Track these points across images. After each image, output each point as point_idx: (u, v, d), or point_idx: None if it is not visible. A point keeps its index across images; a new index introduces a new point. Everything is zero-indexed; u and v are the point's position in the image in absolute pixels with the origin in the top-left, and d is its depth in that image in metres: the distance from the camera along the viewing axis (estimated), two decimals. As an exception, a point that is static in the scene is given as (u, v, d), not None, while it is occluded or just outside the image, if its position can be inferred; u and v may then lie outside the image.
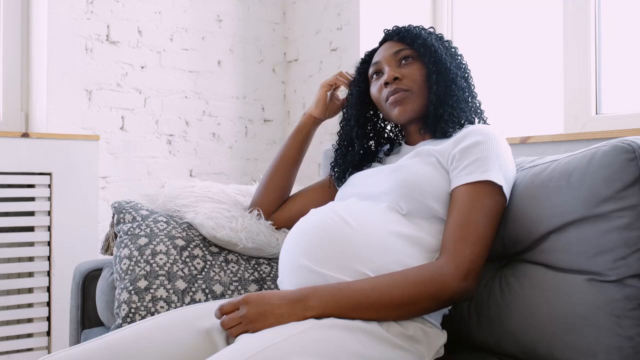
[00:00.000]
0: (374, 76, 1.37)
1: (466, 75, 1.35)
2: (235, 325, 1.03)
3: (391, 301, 1.05)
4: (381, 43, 1.40)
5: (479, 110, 1.35)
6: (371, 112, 1.42)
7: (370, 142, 1.43)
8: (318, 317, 1.02)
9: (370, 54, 1.43)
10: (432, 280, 1.06)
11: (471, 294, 1.10)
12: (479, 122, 1.34)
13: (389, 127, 1.48)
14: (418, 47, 1.31)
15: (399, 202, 1.18)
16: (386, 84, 1.30)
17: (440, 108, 1.28)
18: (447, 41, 1.37)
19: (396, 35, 1.35)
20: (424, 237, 1.15)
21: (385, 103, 1.32)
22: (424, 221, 1.17)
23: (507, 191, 1.17)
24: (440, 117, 1.28)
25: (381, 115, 1.44)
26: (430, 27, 1.38)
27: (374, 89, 1.36)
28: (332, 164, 1.45)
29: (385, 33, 1.39)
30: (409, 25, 1.36)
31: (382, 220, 1.15)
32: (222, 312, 1.06)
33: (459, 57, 1.36)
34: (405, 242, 1.13)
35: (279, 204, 1.49)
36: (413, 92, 1.29)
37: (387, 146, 1.45)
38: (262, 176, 1.52)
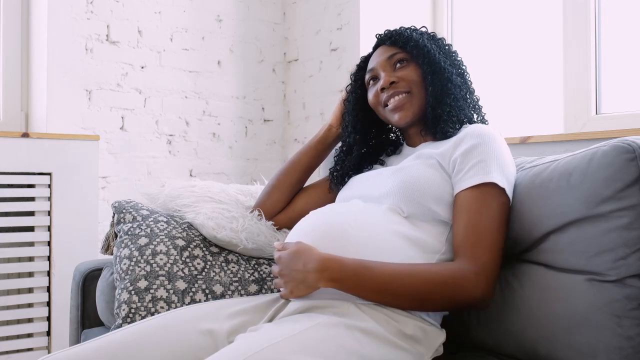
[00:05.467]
0: (370, 82, 1.37)
1: (462, 72, 1.35)
2: (277, 278, 1.15)
3: (409, 293, 1.06)
4: (374, 48, 1.40)
5: (477, 107, 1.35)
6: (369, 118, 1.42)
7: (369, 147, 1.43)
8: (329, 287, 1.07)
9: (365, 60, 1.42)
10: (453, 282, 1.07)
11: (487, 303, 1.10)
12: (477, 119, 1.34)
13: (389, 129, 1.47)
14: (411, 49, 1.30)
15: (400, 205, 1.18)
16: (382, 89, 1.30)
17: (438, 108, 1.27)
18: (440, 39, 1.36)
19: (388, 40, 1.35)
20: (425, 239, 1.15)
21: (383, 108, 1.32)
22: (425, 223, 1.17)
23: (509, 192, 1.17)
24: (439, 117, 1.27)
25: (379, 120, 1.43)
26: (422, 27, 1.37)
27: (370, 95, 1.36)
28: (331, 169, 1.45)
29: (377, 38, 1.39)
30: (401, 28, 1.36)
31: (383, 221, 1.15)
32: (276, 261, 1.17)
33: (454, 54, 1.35)
34: (405, 242, 1.13)
35: (283, 208, 1.48)
36: (412, 94, 1.29)
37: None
38: (270, 179, 1.50)
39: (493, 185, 1.14)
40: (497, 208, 1.13)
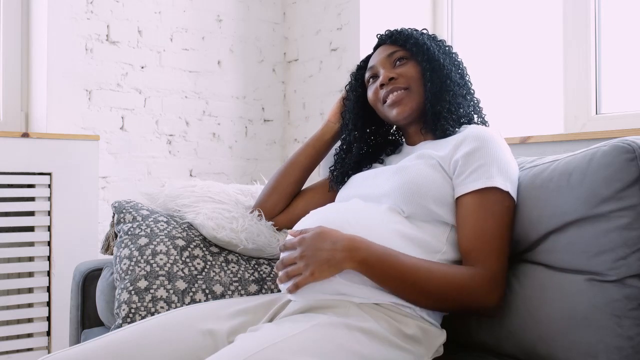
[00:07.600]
0: (370, 80, 1.37)
1: (461, 72, 1.35)
2: (292, 265, 1.10)
3: (426, 289, 1.08)
4: (375, 48, 1.41)
5: (477, 107, 1.35)
6: (369, 116, 1.42)
7: (369, 145, 1.43)
8: (355, 269, 1.06)
9: (366, 60, 1.43)
10: (467, 288, 1.09)
11: (497, 312, 1.13)
12: (477, 119, 1.34)
13: (389, 128, 1.47)
14: (410, 47, 1.31)
15: (400, 205, 1.18)
16: (382, 85, 1.31)
17: (437, 105, 1.28)
18: (440, 40, 1.37)
19: (389, 39, 1.36)
20: (425, 239, 1.15)
21: (382, 105, 1.33)
22: (426, 223, 1.17)
23: (513, 193, 1.17)
24: (438, 113, 1.28)
25: (379, 119, 1.43)
26: (423, 29, 1.39)
27: (370, 92, 1.36)
28: (331, 168, 1.45)
29: (378, 38, 1.40)
30: (401, 28, 1.37)
31: (384, 221, 1.15)
32: (284, 247, 1.14)
33: (454, 55, 1.36)
34: (405, 242, 1.13)
35: (283, 209, 1.48)
36: (411, 90, 1.30)
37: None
38: (269, 179, 1.50)
39: (496, 189, 1.14)
40: (502, 213, 1.14)
